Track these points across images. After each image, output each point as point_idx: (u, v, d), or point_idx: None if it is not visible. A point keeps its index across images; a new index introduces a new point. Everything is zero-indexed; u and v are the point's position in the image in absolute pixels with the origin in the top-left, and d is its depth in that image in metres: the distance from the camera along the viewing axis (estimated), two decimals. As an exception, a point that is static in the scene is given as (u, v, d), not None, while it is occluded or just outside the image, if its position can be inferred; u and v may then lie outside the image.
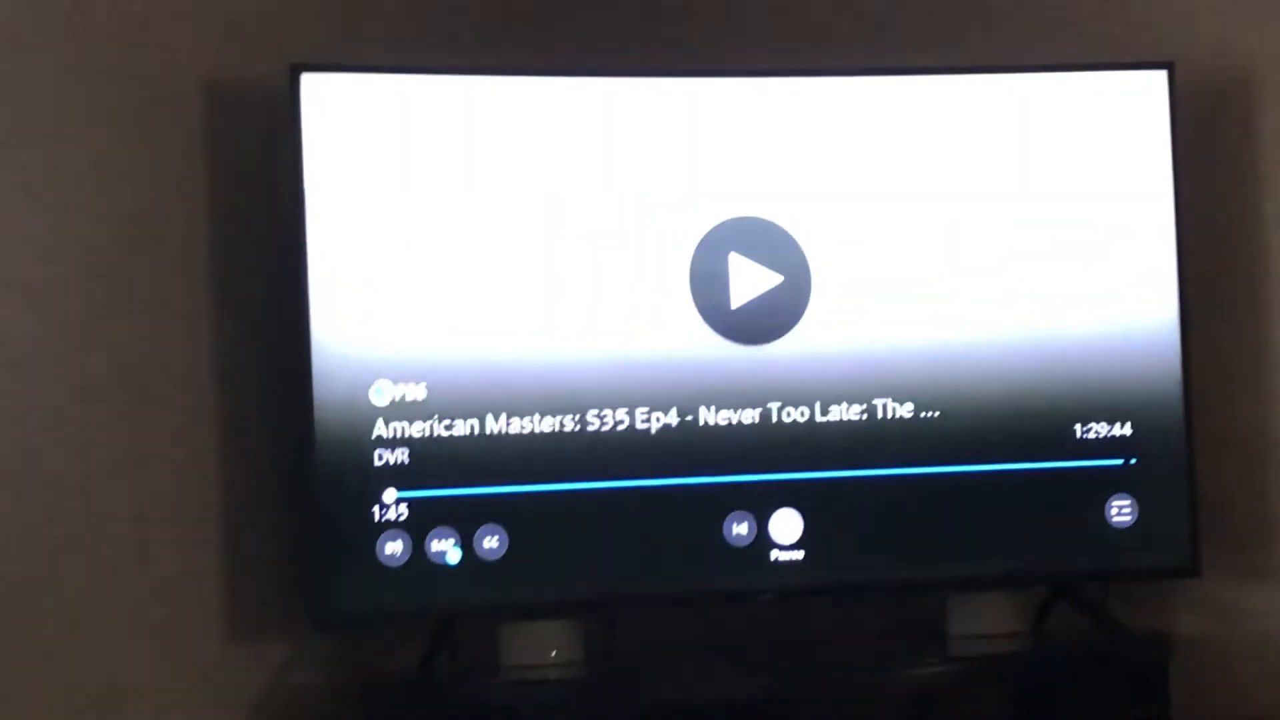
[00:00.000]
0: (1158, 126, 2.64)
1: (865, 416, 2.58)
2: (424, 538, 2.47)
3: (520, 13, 2.72)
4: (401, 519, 2.46)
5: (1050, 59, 2.67)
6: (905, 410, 2.59)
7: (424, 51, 2.62)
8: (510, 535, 2.49)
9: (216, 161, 2.50)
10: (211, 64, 2.50)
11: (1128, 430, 2.62)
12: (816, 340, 2.58)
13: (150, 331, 2.43)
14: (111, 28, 2.41)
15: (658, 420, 2.54)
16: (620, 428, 2.53)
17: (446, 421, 2.48)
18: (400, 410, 2.46)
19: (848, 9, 2.79)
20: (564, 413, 2.51)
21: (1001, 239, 2.62)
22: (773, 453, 2.56)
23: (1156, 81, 2.64)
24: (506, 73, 2.55)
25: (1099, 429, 2.62)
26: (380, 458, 2.46)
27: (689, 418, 2.54)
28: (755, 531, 2.56)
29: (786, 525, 2.57)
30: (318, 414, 2.43)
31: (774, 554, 2.56)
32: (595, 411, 2.52)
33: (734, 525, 2.56)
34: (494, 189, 2.51)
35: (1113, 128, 2.65)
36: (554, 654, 2.55)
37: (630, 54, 2.67)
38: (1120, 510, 2.62)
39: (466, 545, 2.48)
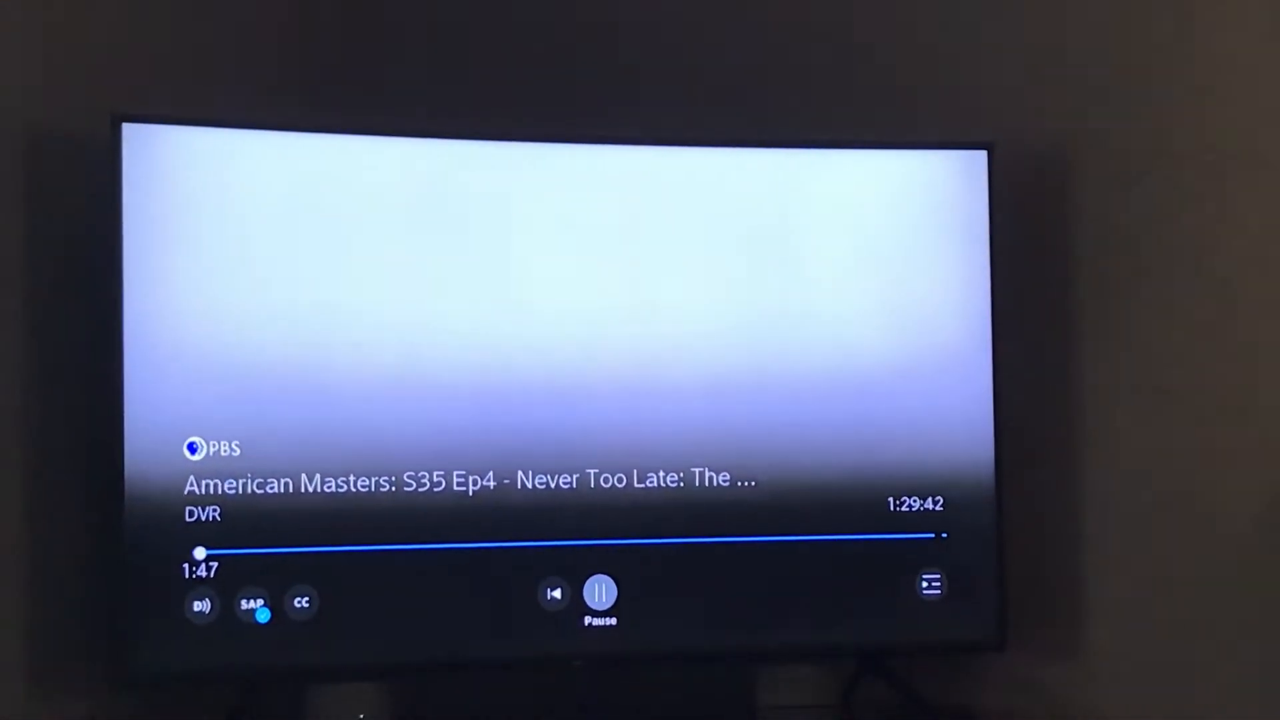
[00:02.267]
0: (978, 204, 2.69)
1: (682, 484, 2.60)
2: (233, 597, 2.45)
3: (338, 73, 2.73)
4: (210, 576, 2.44)
5: (881, 138, 2.71)
6: (722, 479, 2.60)
7: (244, 104, 2.60)
8: (321, 596, 2.48)
9: (33, 210, 2.46)
10: (32, 112, 2.46)
11: (939, 505, 2.66)
12: (635, 407, 2.59)
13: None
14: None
15: (474, 483, 2.54)
16: (437, 490, 2.52)
17: (259, 480, 2.46)
18: (213, 467, 2.44)
19: (686, 80, 2.82)
20: (380, 474, 2.50)
21: (823, 310, 2.64)
22: (588, 518, 2.57)
23: (978, 162, 2.69)
24: (325, 130, 2.53)
25: (912, 503, 2.65)
26: (191, 514, 2.44)
27: (506, 481, 2.54)
28: (569, 597, 2.56)
29: (600, 591, 2.57)
30: (128, 468, 2.40)
31: (587, 620, 2.56)
32: (411, 473, 2.51)
33: (548, 590, 2.56)
34: (312, 246, 2.50)
35: (937, 205, 2.69)
36: (361, 717, 2.54)
37: (462, 118, 2.67)
38: (930, 584, 2.65)
39: (276, 605, 2.46)
